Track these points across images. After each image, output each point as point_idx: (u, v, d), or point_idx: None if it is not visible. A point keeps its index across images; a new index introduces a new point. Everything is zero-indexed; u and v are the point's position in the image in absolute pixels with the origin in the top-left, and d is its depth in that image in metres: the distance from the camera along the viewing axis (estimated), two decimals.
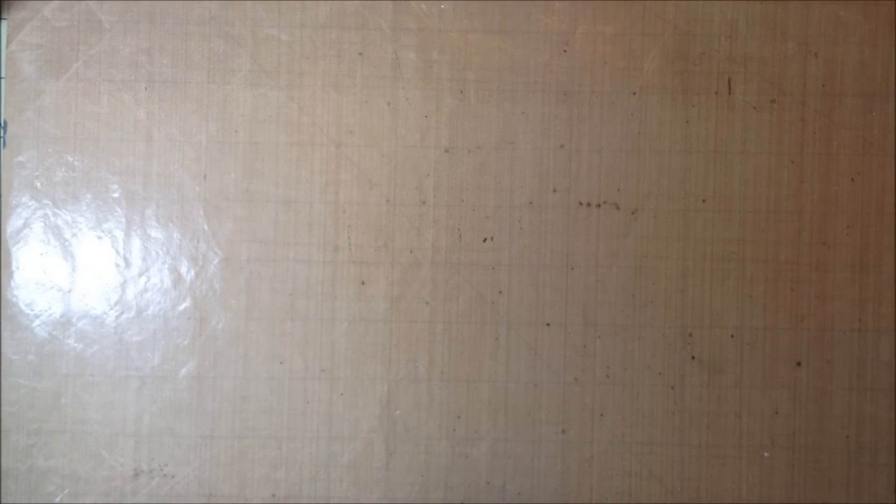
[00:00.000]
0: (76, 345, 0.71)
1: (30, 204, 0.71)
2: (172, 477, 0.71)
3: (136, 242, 0.71)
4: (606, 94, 0.72)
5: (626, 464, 0.71)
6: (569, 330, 0.72)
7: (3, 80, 0.71)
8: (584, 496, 0.71)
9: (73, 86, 0.72)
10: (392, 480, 0.72)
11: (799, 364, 0.71)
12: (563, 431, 0.72)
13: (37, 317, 0.71)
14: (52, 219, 0.71)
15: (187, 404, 0.71)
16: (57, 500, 0.71)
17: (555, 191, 0.72)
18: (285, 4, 0.72)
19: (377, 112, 0.72)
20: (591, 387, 0.72)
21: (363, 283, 0.72)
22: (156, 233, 0.72)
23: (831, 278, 0.71)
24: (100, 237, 0.72)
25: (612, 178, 0.72)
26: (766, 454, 0.71)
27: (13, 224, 0.71)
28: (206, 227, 0.72)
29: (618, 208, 0.72)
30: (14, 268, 0.71)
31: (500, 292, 0.72)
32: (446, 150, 0.72)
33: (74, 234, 0.71)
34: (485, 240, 0.72)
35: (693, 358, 0.72)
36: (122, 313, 0.71)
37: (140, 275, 0.71)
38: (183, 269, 0.71)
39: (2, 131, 0.71)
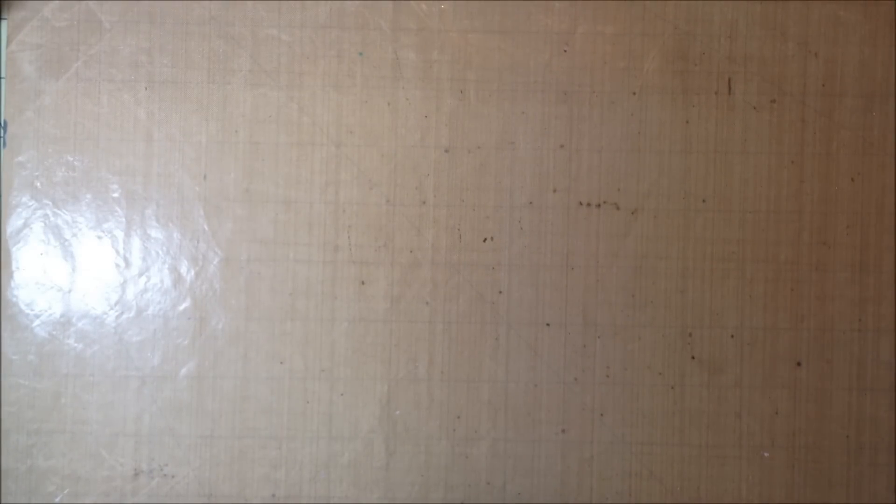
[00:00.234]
0: (76, 345, 0.71)
1: (30, 204, 0.71)
2: (172, 477, 0.71)
3: (136, 242, 0.71)
4: (606, 94, 0.72)
5: (626, 464, 0.71)
6: (569, 330, 0.72)
7: (3, 80, 0.71)
8: (584, 496, 0.71)
9: (73, 86, 0.72)
10: (392, 480, 0.72)
11: (799, 364, 0.71)
12: (563, 431, 0.72)
13: (37, 317, 0.71)
14: (52, 219, 0.71)
15: (187, 404, 0.71)
16: (57, 500, 0.71)
17: (555, 191, 0.72)
18: (285, 4, 0.72)
19: (377, 112, 0.72)
20: (591, 387, 0.72)
21: (363, 283, 0.72)
22: (156, 233, 0.72)
23: (831, 278, 0.71)
24: (100, 237, 0.72)
25: (612, 178, 0.72)
26: (766, 454, 0.71)
27: (13, 224, 0.71)
28: (206, 227, 0.72)
29: (618, 208, 0.72)
30: (14, 268, 0.71)
31: (500, 292, 0.72)
32: (446, 150, 0.72)
33: (74, 234, 0.71)
34: (485, 240, 0.72)
35: (693, 358, 0.72)
36: (122, 313, 0.71)
37: (140, 275, 0.71)
38: (183, 269, 0.71)
39: (2, 131, 0.71)
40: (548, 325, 0.72)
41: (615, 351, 0.72)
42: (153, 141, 0.72)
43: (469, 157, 0.72)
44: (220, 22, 0.72)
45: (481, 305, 0.72)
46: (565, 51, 0.72)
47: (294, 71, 0.72)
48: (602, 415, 0.71)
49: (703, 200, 0.72)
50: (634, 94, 0.72)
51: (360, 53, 0.72)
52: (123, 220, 0.72)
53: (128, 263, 0.71)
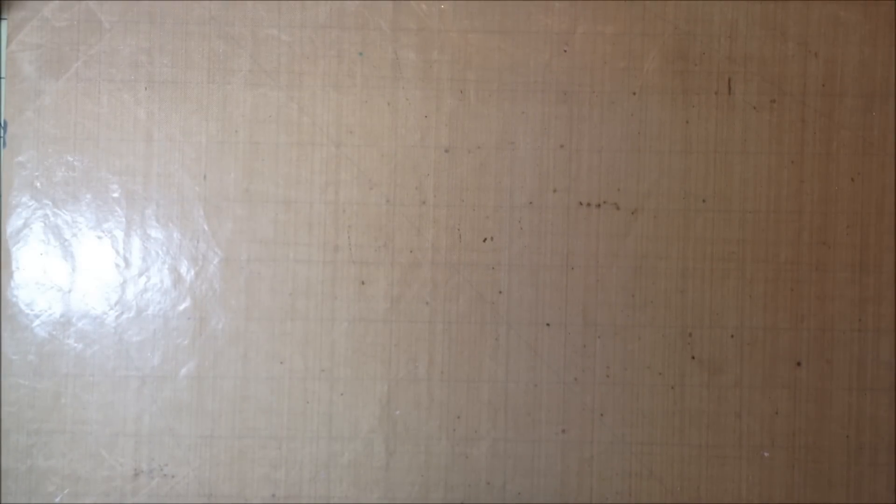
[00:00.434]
0: (76, 345, 0.71)
1: (30, 204, 0.71)
2: (172, 477, 0.71)
3: (136, 242, 0.71)
4: (606, 94, 0.72)
5: (626, 464, 0.71)
6: (569, 330, 0.72)
7: (3, 80, 0.71)
8: (584, 496, 0.71)
9: (73, 86, 0.72)
10: (392, 480, 0.72)
11: (799, 364, 0.71)
12: (563, 431, 0.72)
13: (37, 317, 0.71)
14: (52, 219, 0.71)
15: (187, 404, 0.71)
16: (57, 500, 0.71)
17: (555, 191, 0.72)
18: (285, 4, 0.72)
19: (377, 112, 0.72)
20: (591, 387, 0.72)
21: (363, 283, 0.72)
22: (156, 233, 0.72)
23: (831, 278, 0.71)
24: (100, 237, 0.72)
25: (612, 178, 0.72)
26: (766, 454, 0.71)
27: (13, 224, 0.71)
28: (206, 227, 0.72)
29: (618, 208, 0.72)
30: (14, 268, 0.71)
31: (500, 292, 0.72)
32: (446, 150, 0.72)
33: (74, 234, 0.71)
34: (485, 240, 0.72)
35: (693, 358, 0.72)
36: (122, 313, 0.71)
37: (140, 275, 0.71)
38: (183, 269, 0.71)
39: (2, 131, 0.71)
40: (548, 325, 0.72)
41: (615, 351, 0.72)
42: (153, 141, 0.72)
43: (469, 157, 0.72)
44: (220, 22, 0.72)
45: (481, 305, 0.72)
46: (565, 51, 0.72)
47: (294, 71, 0.72)
48: (602, 415, 0.71)
49: (703, 200, 0.72)
50: (634, 94, 0.72)
51: (360, 53, 0.72)
52: (123, 220, 0.72)
53: (128, 263, 0.71)
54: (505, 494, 0.71)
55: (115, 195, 0.71)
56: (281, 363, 0.71)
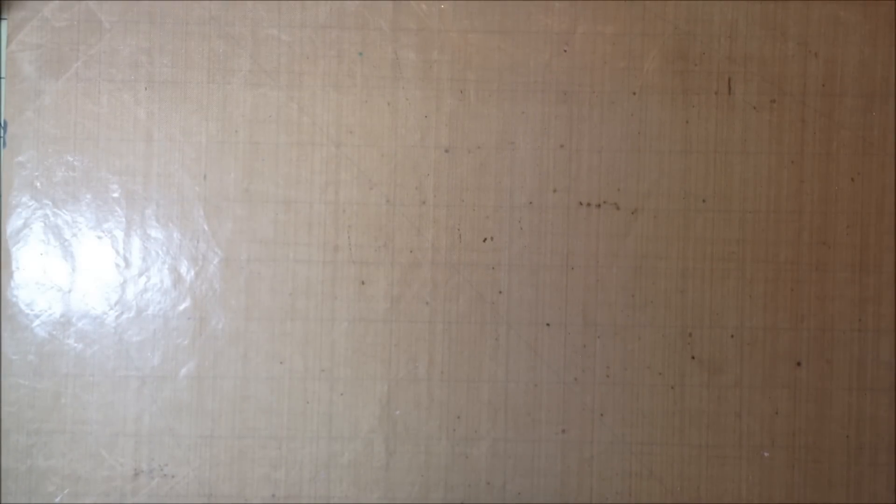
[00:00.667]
0: (76, 345, 0.71)
1: (30, 204, 0.71)
2: (172, 477, 0.71)
3: (136, 242, 0.71)
4: (606, 94, 0.72)
5: (626, 464, 0.71)
6: (569, 330, 0.72)
7: (3, 80, 0.71)
8: (584, 496, 0.71)
9: (73, 86, 0.72)
10: (392, 480, 0.72)
11: (799, 364, 0.71)
12: (563, 431, 0.72)
13: (37, 317, 0.71)
14: (52, 219, 0.71)
15: (187, 404, 0.71)
16: (57, 500, 0.71)
17: (555, 191, 0.72)
18: (285, 4, 0.72)
19: (377, 112, 0.72)
20: (591, 387, 0.72)
21: (363, 283, 0.72)
22: (156, 233, 0.72)
23: (831, 278, 0.71)
24: (100, 237, 0.72)
25: (612, 178, 0.72)
26: (766, 454, 0.71)
27: (13, 224, 0.71)
28: (206, 227, 0.72)
29: (618, 208, 0.72)
30: (14, 268, 0.71)
31: (500, 292, 0.72)
32: (446, 150, 0.72)
33: (74, 234, 0.71)
34: (485, 240, 0.72)
35: (693, 358, 0.72)
36: (122, 313, 0.71)
37: (140, 275, 0.71)
38: (183, 269, 0.71)
39: (2, 131, 0.71)
40: (548, 325, 0.72)
41: (615, 351, 0.72)
42: (153, 141, 0.72)
43: (469, 157, 0.72)
44: (220, 22, 0.72)
45: (481, 305, 0.72)
46: (565, 51, 0.72)
47: (294, 71, 0.72)
48: (602, 415, 0.71)
49: (703, 200, 0.72)
50: (634, 94, 0.72)
51: (360, 53, 0.72)
52: (123, 220, 0.72)
53: (128, 263, 0.71)
54: (505, 494, 0.71)
55: (115, 195, 0.71)
56: (281, 363, 0.71)
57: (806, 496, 0.71)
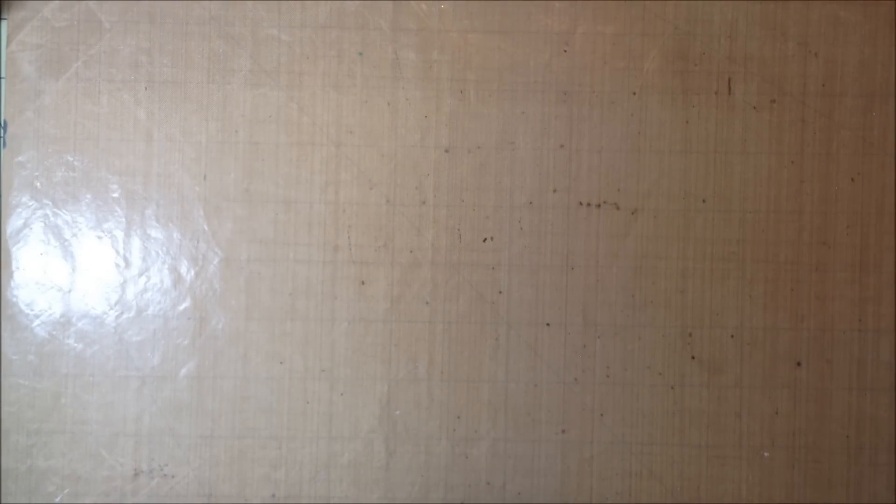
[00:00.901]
0: (76, 345, 0.71)
1: (30, 204, 0.71)
2: (172, 477, 0.71)
3: (136, 242, 0.71)
4: (606, 94, 0.72)
5: (626, 464, 0.71)
6: (569, 330, 0.72)
7: (3, 80, 0.71)
8: (584, 496, 0.71)
9: (73, 86, 0.72)
10: (392, 480, 0.72)
11: (799, 364, 0.71)
12: (563, 431, 0.72)
13: (37, 317, 0.71)
14: (52, 219, 0.71)
15: (187, 404, 0.71)
16: (57, 500, 0.71)
17: (555, 191, 0.72)
18: (285, 4, 0.72)
19: (377, 112, 0.72)
20: (591, 387, 0.72)
21: (363, 283, 0.72)
22: (156, 233, 0.72)
23: (831, 278, 0.71)
24: (100, 237, 0.72)
25: (612, 178, 0.72)
26: (766, 454, 0.71)
27: (13, 224, 0.71)
28: (206, 227, 0.72)
29: (618, 208, 0.72)
30: (14, 268, 0.71)
31: (500, 292, 0.72)
32: (446, 150, 0.72)
33: (74, 234, 0.71)
34: (485, 240, 0.72)
35: (693, 358, 0.72)
36: (122, 313, 0.71)
37: (140, 275, 0.71)
38: (183, 269, 0.71)
39: (2, 131, 0.71)
40: (548, 325, 0.72)
41: (615, 351, 0.72)
42: (153, 141, 0.72)
43: (469, 157, 0.72)
44: (220, 22, 0.72)
45: (481, 305, 0.72)
46: (565, 51, 0.72)
47: (294, 71, 0.72)
48: (602, 415, 0.71)
49: (703, 200, 0.72)
50: (634, 94, 0.72)
51: (360, 53, 0.72)
52: (123, 220, 0.72)
53: (128, 263, 0.71)
54: (505, 494, 0.71)
55: (115, 195, 0.71)
56: (281, 363, 0.71)
57: (806, 496, 0.71)
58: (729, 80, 0.72)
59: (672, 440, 0.71)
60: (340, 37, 0.72)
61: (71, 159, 0.71)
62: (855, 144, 0.72)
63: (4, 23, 0.71)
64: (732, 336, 0.71)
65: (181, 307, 0.71)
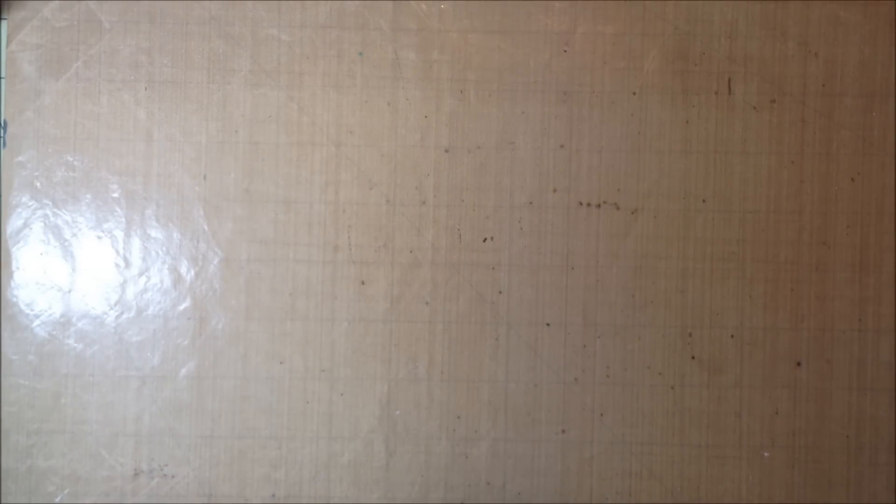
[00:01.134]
0: (76, 345, 0.71)
1: (30, 204, 0.71)
2: (172, 477, 0.71)
3: (136, 242, 0.71)
4: (606, 94, 0.72)
5: (626, 464, 0.71)
6: (569, 330, 0.72)
7: (3, 80, 0.71)
8: (584, 496, 0.71)
9: (73, 86, 0.72)
10: (392, 480, 0.72)
11: (799, 364, 0.71)
12: (563, 431, 0.72)
13: (37, 317, 0.71)
14: (52, 219, 0.71)
15: (187, 404, 0.71)
16: (57, 500, 0.71)
17: (555, 191, 0.72)
18: (285, 4, 0.72)
19: (377, 112, 0.72)
20: (591, 387, 0.72)
21: (363, 283, 0.72)
22: (156, 233, 0.72)
23: (831, 278, 0.71)
24: (100, 237, 0.72)
25: (612, 178, 0.72)
26: (766, 454, 0.71)
27: (13, 224, 0.71)
28: (206, 227, 0.72)
29: (618, 208, 0.72)
30: (14, 268, 0.71)
31: (500, 292, 0.72)
32: (446, 150, 0.72)
33: (74, 234, 0.71)
34: (485, 240, 0.72)
35: (693, 358, 0.72)
36: (122, 313, 0.71)
37: (140, 275, 0.71)
38: (183, 269, 0.71)
39: (2, 131, 0.71)
40: (548, 325, 0.72)
41: (615, 351, 0.72)
42: (153, 141, 0.72)
43: (469, 157, 0.72)
44: (220, 22, 0.72)
45: (481, 305, 0.72)
46: (565, 51, 0.72)
47: (294, 71, 0.72)
48: (602, 415, 0.72)
49: (703, 200, 0.72)
50: (634, 94, 0.72)
51: (360, 53, 0.72)
52: (123, 220, 0.72)
53: (128, 263, 0.71)
54: (505, 494, 0.71)
55: (115, 195, 0.71)
56: (281, 363, 0.71)
57: (806, 496, 0.71)
58: (729, 80, 0.72)
59: (672, 440, 0.71)
60: (340, 37, 0.72)
61: (71, 159, 0.71)
62: (855, 144, 0.72)
63: (4, 23, 0.71)
64: (732, 336, 0.71)
65: (181, 307, 0.71)
